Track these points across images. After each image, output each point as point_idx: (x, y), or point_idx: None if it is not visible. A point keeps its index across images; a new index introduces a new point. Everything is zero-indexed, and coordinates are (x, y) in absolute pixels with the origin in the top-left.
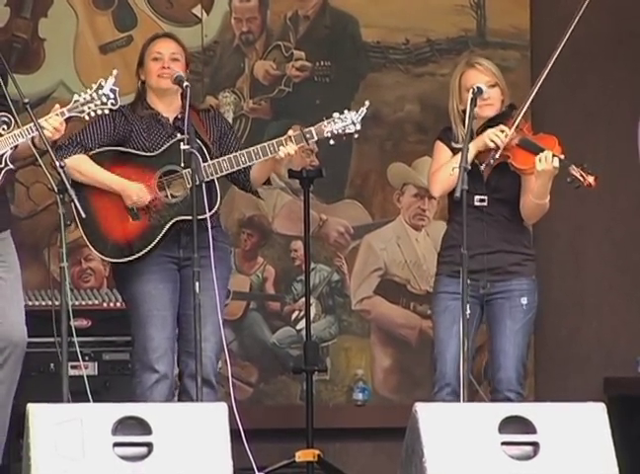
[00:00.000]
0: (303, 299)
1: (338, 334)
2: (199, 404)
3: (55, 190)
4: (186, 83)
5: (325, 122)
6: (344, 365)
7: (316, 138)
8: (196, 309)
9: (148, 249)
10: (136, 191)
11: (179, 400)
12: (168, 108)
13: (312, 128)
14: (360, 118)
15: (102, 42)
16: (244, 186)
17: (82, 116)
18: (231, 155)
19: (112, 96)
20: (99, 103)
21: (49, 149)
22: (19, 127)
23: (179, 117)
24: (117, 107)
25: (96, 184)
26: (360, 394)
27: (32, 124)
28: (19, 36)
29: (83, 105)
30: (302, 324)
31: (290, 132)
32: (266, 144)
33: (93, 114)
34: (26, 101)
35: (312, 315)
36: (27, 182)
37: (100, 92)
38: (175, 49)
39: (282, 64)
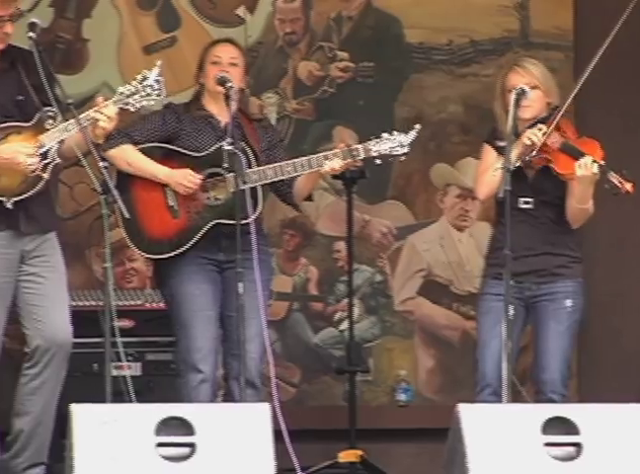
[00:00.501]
0: (346, 300)
1: (381, 335)
2: (242, 404)
3: (99, 190)
4: (229, 84)
5: (373, 142)
6: (387, 366)
7: (363, 157)
8: (239, 310)
9: (184, 248)
10: (185, 175)
11: (224, 402)
12: (222, 112)
13: (360, 146)
14: (410, 140)
15: (145, 43)
16: (286, 198)
17: (127, 107)
18: (276, 164)
19: (156, 86)
20: (144, 94)
21: (92, 148)
22: (65, 122)
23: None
24: (162, 97)
25: (142, 173)
26: (402, 395)
27: (79, 117)
28: (62, 36)
29: (128, 96)
30: (345, 325)
31: (338, 147)
32: (312, 157)
33: (138, 105)
34: (69, 101)
35: (355, 316)
36: (70, 182)
37: (144, 83)
38: (234, 54)
39: (326, 65)
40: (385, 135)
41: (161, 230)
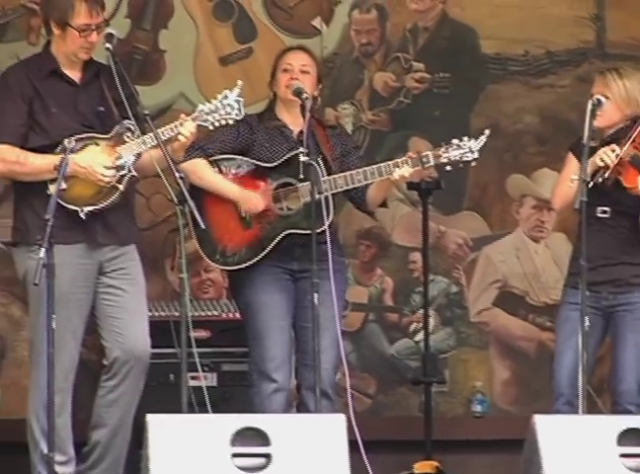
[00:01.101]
0: (422, 311)
1: (456, 346)
2: (317, 415)
3: (175, 201)
4: (305, 95)
5: (443, 148)
6: (462, 377)
7: (433, 163)
8: (314, 321)
9: (257, 259)
10: (251, 199)
11: (297, 412)
12: (295, 120)
13: (430, 153)
14: (480, 146)
15: (222, 54)
16: (360, 205)
17: (206, 125)
18: (347, 173)
19: (236, 106)
20: (223, 113)
21: (169, 160)
22: (143, 136)
23: (303, 130)
24: (241, 117)
25: (212, 190)
26: (478, 406)
27: (157, 131)
28: (139, 47)
29: (207, 114)
30: (421, 335)
31: (408, 155)
32: (382, 165)
33: (217, 124)
34: (146, 112)
35: (431, 327)
36: (147, 193)
37: (224, 102)
38: (306, 61)
39: (402, 76)
40: (455, 141)
41: (234, 241)
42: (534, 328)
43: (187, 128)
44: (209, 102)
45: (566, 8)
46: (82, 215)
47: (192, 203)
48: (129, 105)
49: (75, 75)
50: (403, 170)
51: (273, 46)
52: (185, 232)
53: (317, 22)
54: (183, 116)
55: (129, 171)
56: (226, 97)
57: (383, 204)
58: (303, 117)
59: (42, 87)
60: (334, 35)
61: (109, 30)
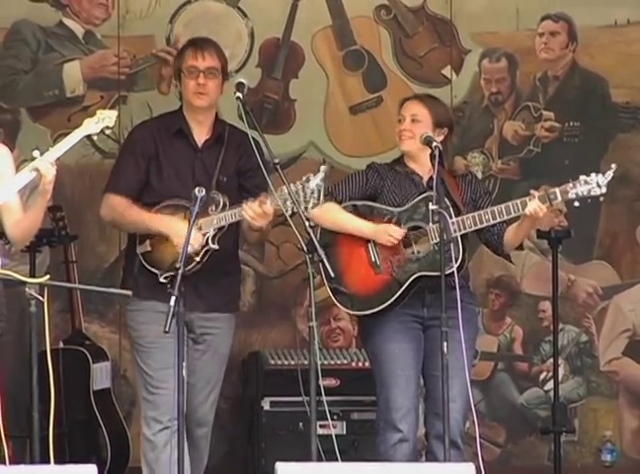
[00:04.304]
0: (551, 360)
1: (586, 395)
2: (446, 464)
3: (305, 249)
4: (435, 143)
5: (570, 184)
6: (592, 426)
7: (560, 200)
8: (443, 370)
9: (388, 303)
10: (388, 230)
11: (426, 461)
12: (423, 167)
13: (557, 189)
14: (607, 181)
15: (352, 103)
16: (496, 248)
17: (284, 209)
18: (475, 213)
19: (315, 193)
20: (301, 198)
21: (300, 210)
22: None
23: (433, 177)
24: (320, 205)
25: (346, 230)
26: (608, 455)
27: (237, 209)
28: (270, 96)
29: (286, 199)
30: (550, 385)
31: (534, 193)
32: (510, 203)
33: (295, 210)
34: (276, 161)
35: (560, 376)
36: (277, 241)
37: (306, 185)
38: (417, 111)
39: (531, 125)
40: (582, 177)
41: (365, 286)
42: None
43: (252, 209)
44: (294, 183)
45: None
46: (161, 279)
47: (321, 252)
48: (254, 175)
49: (201, 137)
50: (532, 204)
51: (402, 95)
52: (317, 280)
53: (447, 71)
54: (262, 198)
55: (207, 244)
56: (309, 180)
57: (520, 247)
58: (432, 165)
59: (164, 147)
60: (464, 83)
61: (239, 79)
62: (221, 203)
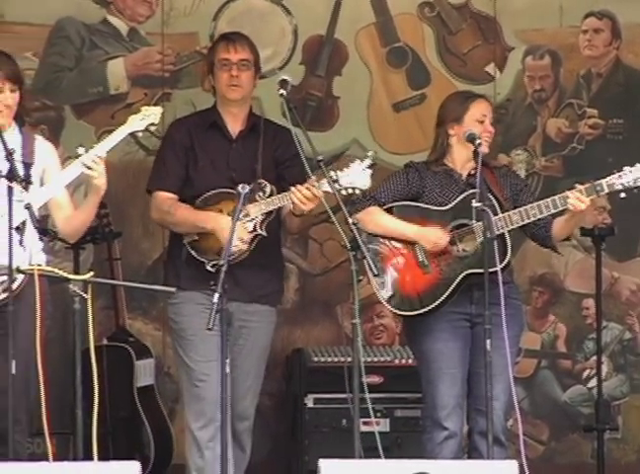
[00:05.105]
0: (595, 357)
1: (629, 392)
2: (489, 461)
3: (348, 246)
4: (478, 140)
5: (616, 175)
6: (635, 424)
7: (607, 191)
8: (487, 367)
9: (439, 302)
10: (435, 233)
11: (469, 457)
12: (462, 164)
13: (603, 181)
14: None
15: (395, 100)
16: (544, 241)
17: (332, 191)
18: (521, 208)
19: (363, 177)
20: (350, 180)
21: (342, 206)
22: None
23: (472, 173)
24: (366, 187)
25: (390, 234)
26: None
27: (285, 193)
28: (313, 93)
29: (335, 181)
30: (594, 382)
31: (579, 186)
32: (556, 197)
33: (344, 192)
34: (319, 158)
35: (604, 373)
36: (320, 238)
37: (353, 170)
38: (491, 113)
39: (575, 122)
40: (627, 168)
41: (412, 286)
42: None
43: (302, 192)
44: (340, 170)
45: None
46: (209, 268)
47: (365, 249)
48: (292, 164)
49: (235, 129)
50: (573, 197)
51: (446, 92)
52: (361, 277)
53: (491, 68)
54: (313, 178)
55: (255, 230)
56: (356, 166)
57: (567, 238)
58: (476, 162)
59: (199, 140)
60: (507, 81)
61: (283, 76)
62: (269, 190)
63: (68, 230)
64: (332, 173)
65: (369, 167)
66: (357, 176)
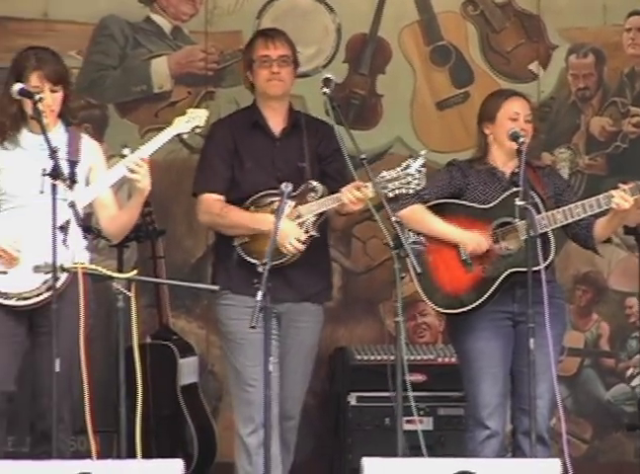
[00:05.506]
0: (638, 356)
1: None
2: (532, 460)
3: (391, 245)
4: (522, 139)
5: None
6: None
7: None
8: (530, 366)
9: (481, 300)
10: (475, 239)
11: (512, 456)
12: (505, 163)
13: None
14: None
15: (438, 99)
16: (585, 242)
17: (385, 192)
18: (565, 207)
19: (417, 176)
20: (404, 182)
21: (386, 204)
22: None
23: (515, 171)
24: (420, 187)
25: (432, 233)
26: None
27: (336, 195)
28: (357, 92)
29: (388, 181)
30: (637, 381)
31: (623, 186)
32: (600, 196)
33: (397, 192)
34: (362, 157)
35: None
36: (363, 237)
37: (406, 171)
38: (528, 111)
39: (619, 120)
40: None
41: (455, 284)
42: None
43: (352, 194)
44: (393, 169)
45: None
46: (260, 269)
47: (408, 247)
48: (334, 160)
49: (277, 126)
50: (617, 196)
51: (489, 91)
52: (404, 276)
53: (534, 66)
54: (358, 182)
55: (308, 231)
56: (409, 166)
57: (608, 239)
58: (519, 160)
59: (242, 141)
60: (551, 79)
61: (327, 74)
62: (320, 191)
63: (112, 230)
64: (384, 173)
65: (422, 166)
66: (411, 176)
